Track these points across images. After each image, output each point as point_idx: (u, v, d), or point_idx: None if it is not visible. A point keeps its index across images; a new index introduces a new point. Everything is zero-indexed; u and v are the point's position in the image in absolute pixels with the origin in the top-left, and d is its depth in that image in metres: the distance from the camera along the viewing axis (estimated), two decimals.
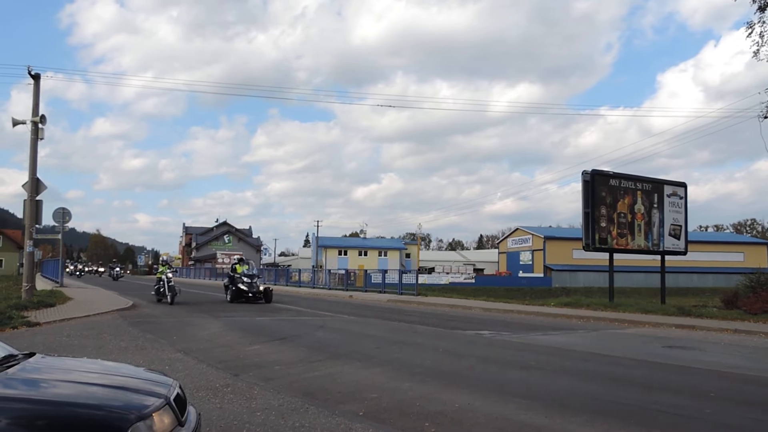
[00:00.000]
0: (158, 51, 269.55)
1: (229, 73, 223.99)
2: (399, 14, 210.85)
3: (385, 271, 38.14)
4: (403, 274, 35.68)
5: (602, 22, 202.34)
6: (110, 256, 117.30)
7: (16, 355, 4.06)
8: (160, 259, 23.75)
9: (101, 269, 77.25)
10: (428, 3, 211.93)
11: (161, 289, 22.27)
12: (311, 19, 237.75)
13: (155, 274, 22.75)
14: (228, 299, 24.02)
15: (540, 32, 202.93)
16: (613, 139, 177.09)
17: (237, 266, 24.89)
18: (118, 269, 59.55)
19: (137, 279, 69.87)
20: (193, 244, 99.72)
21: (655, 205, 24.40)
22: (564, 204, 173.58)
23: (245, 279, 23.85)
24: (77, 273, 69.61)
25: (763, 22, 18.35)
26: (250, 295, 23.45)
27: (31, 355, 4.18)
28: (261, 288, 23.93)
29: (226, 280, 25.70)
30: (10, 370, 3.65)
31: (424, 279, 52.32)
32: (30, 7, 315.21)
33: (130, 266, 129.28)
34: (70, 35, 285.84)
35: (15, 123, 19.90)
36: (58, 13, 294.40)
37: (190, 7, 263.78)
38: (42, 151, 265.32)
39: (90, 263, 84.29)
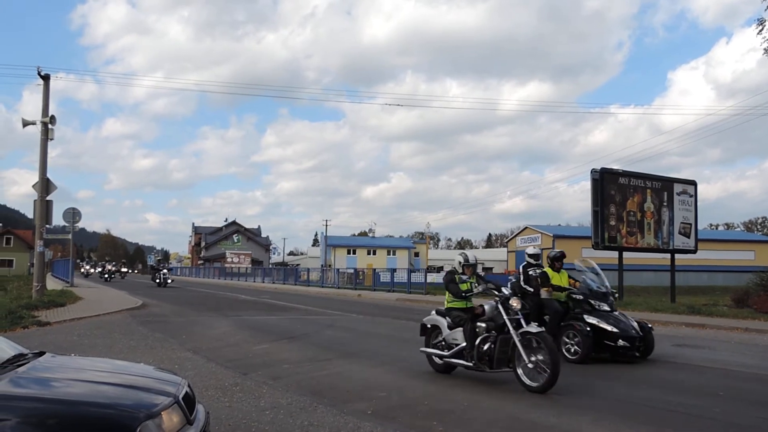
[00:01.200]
0: (169, 51, 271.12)
1: (239, 73, 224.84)
2: (408, 13, 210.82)
3: (393, 270, 38.13)
4: (412, 273, 35.63)
5: (613, 20, 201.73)
6: (120, 255, 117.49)
7: (26, 354, 4.09)
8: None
9: (124, 269, 57.02)
10: (438, 2, 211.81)
11: None
12: (321, 19, 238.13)
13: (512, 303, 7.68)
14: (574, 357, 9.65)
15: (550, 30, 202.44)
16: (623, 137, 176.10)
17: (548, 271, 10.97)
18: (166, 272, 38.94)
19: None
20: (203, 244, 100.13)
21: (665, 204, 24.26)
22: (573, 202, 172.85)
23: (594, 304, 10.19)
24: (106, 276, 48.61)
25: None
26: (623, 344, 9.71)
27: (41, 354, 4.21)
28: (635, 324, 10.14)
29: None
30: (20, 369, 3.68)
31: (432, 278, 52.06)
32: (41, 7, 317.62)
33: (140, 266, 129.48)
34: (81, 36, 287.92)
35: (25, 123, 20.03)
36: (70, 13, 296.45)
37: (200, 7, 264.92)
38: (53, 152, 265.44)
39: (115, 263, 58.89)
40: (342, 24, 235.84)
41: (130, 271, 71.51)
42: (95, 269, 67.82)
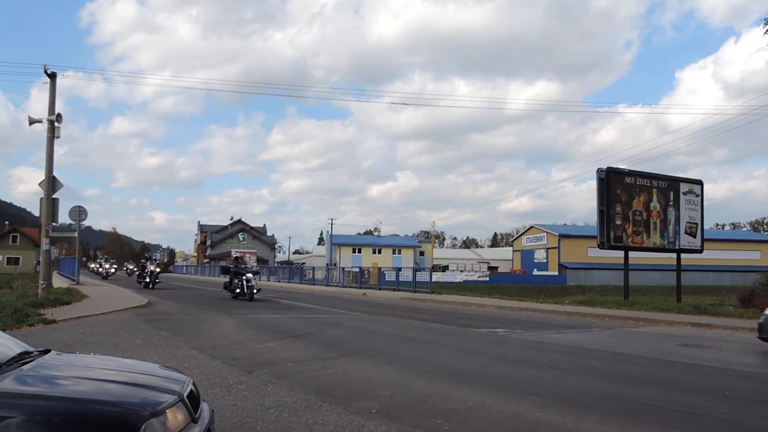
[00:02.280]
0: (177, 49, 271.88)
1: (248, 71, 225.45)
2: (416, 12, 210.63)
3: (399, 269, 38.13)
4: (417, 272, 35.62)
5: (621, 20, 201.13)
6: (126, 254, 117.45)
7: (32, 352, 4.10)
8: None
9: (157, 269, 34.74)
10: (445, 1, 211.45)
11: None
12: (329, 17, 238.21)
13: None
14: None
15: (558, 29, 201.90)
16: (630, 136, 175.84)
17: None
18: (250, 276, 24.39)
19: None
20: (208, 242, 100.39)
21: (671, 203, 24.19)
22: (580, 202, 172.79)
23: None
24: (147, 280, 32.52)
25: None
26: None
27: (47, 352, 4.22)
28: None
29: None
30: (25, 367, 3.69)
31: (438, 277, 52.33)
32: (50, 5, 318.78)
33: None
34: (90, 34, 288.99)
35: (31, 122, 20.10)
36: (79, 12, 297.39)
37: (209, 5, 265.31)
38: (60, 150, 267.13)
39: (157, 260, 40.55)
40: (350, 23, 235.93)
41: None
42: (122, 269, 58.02)
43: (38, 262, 44.99)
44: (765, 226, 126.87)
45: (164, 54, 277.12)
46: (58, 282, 31.55)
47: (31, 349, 4.22)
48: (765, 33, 18.63)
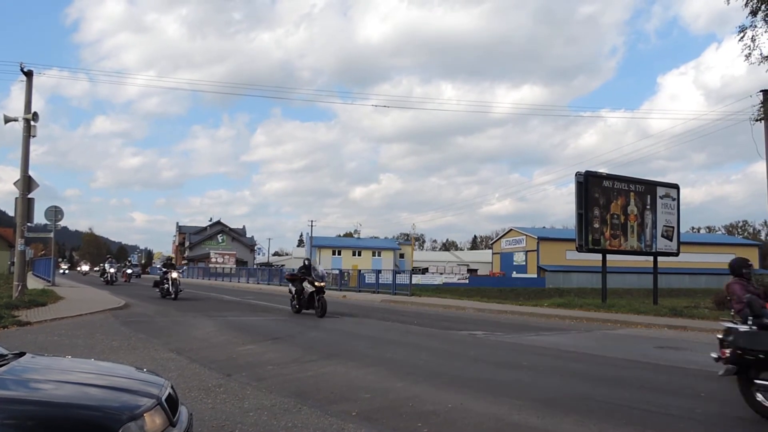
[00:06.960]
0: (164, 49, 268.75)
1: (235, 72, 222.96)
2: (404, 15, 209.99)
3: (378, 272, 38.08)
4: (397, 275, 35.57)
5: (607, 26, 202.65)
6: (103, 255, 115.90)
7: (6, 355, 4.03)
8: None
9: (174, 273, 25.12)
10: (433, 4, 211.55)
11: None
12: (316, 19, 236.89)
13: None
14: None
15: (545, 34, 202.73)
16: (612, 140, 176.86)
17: None
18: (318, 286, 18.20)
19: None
20: (187, 244, 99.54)
21: (648, 207, 24.50)
22: (561, 205, 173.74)
23: None
24: (168, 290, 24.91)
25: (755, 26, 18.40)
26: None
27: (21, 354, 4.15)
28: None
29: None
30: None
31: (417, 279, 52.32)
32: (37, 2, 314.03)
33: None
34: (75, 31, 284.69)
35: (7, 120, 19.80)
36: (66, 8, 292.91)
37: (198, 5, 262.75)
38: (40, 149, 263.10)
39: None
40: (338, 24, 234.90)
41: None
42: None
43: (12, 263, 44.28)
44: (739, 230, 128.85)
45: (151, 53, 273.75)
46: (33, 283, 31.06)
47: (5, 351, 4.15)
48: (740, 40, 18.91)
